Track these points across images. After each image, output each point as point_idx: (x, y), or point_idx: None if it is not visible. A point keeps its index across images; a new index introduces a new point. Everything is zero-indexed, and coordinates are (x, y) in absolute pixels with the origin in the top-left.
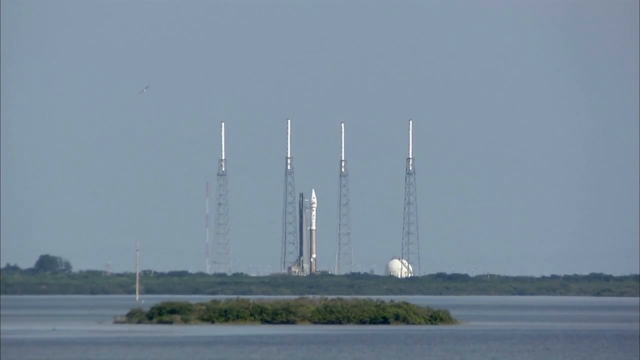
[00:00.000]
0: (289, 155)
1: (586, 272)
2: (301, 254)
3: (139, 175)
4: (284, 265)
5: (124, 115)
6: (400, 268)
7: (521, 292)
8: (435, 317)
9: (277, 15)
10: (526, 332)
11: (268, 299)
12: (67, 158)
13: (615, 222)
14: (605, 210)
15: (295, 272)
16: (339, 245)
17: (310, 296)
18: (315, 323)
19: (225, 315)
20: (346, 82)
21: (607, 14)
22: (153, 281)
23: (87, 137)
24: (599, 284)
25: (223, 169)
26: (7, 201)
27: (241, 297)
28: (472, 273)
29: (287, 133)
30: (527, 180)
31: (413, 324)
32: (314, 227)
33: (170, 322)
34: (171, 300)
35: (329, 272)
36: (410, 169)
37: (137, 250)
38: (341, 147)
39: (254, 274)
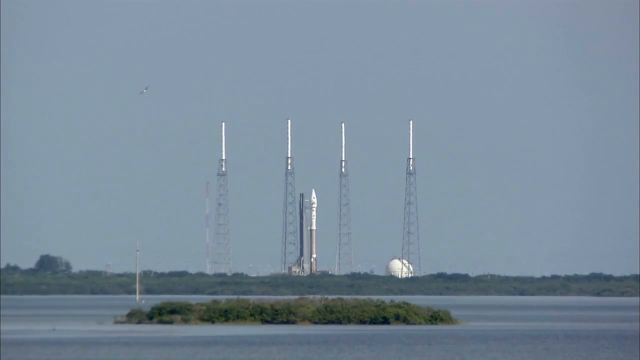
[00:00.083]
0: (289, 155)
1: (586, 272)
2: (301, 254)
3: (139, 175)
4: (284, 265)
5: (124, 115)
6: (400, 268)
7: (521, 292)
8: (436, 317)
9: (277, 15)
10: (526, 332)
11: (268, 299)
12: (67, 158)
13: (615, 222)
14: (605, 210)
15: (295, 272)
16: (339, 245)
17: (311, 296)
18: (316, 323)
19: (225, 315)
20: (346, 82)
21: (607, 14)
22: (153, 281)
23: (88, 137)
24: (599, 284)
25: (223, 169)
26: (7, 201)
27: (241, 297)
28: (473, 273)
29: (287, 133)
30: (527, 180)
31: (413, 324)
32: (314, 227)
33: (171, 322)
34: (171, 300)
35: (329, 272)
36: (410, 169)
37: (137, 250)
38: (341, 147)
39: (254, 274)
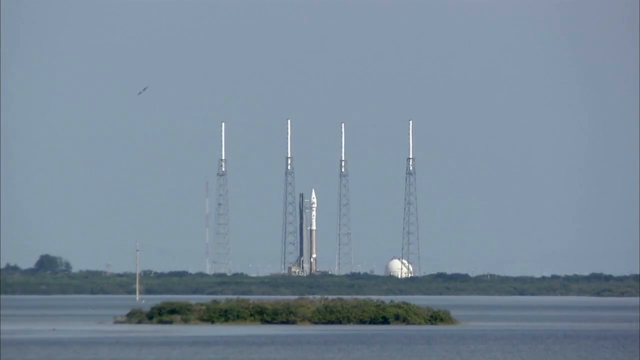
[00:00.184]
0: (289, 155)
1: (586, 272)
2: (301, 254)
3: (139, 175)
4: (284, 265)
5: (124, 115)
6: (400, 268)
7: (521, 292)
8: (436, 317)
9: (277, 15)
10: (526, 332)
11: (268, 299)
12: (67, 158)
13: (615, 222)
14: (605, 210)
15: (295, 272)
16: (339, 245)
17: (311, 296)
18: (315, 323)
19: (225, 315)
20: (346, 82)
21: (607, 14)
22: (153, 281)
23: (88, 137)
24: (599, 284)
25: (223, 169)
26: (7, 201)
27: (241, 297)
28: (473, 273)
29: (287, 133)
30: (527, 180)
31: (413, 324)
32: (314, 227)
33: (170, 322)
34: (171, 300)
35: (329, 272)
36: (410, 169)
37: (137, 250)
38: (341, 147)
39: (254, 274)
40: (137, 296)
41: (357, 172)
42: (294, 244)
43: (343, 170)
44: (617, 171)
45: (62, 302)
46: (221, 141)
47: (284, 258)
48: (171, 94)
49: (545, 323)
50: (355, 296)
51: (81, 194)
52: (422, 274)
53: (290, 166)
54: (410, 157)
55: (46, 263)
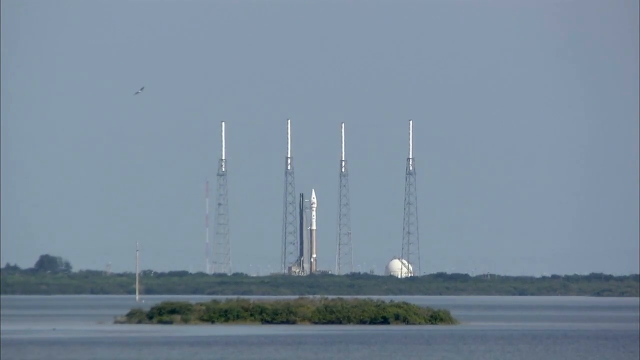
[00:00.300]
0: (289, 155)
1: (586, 272)
2: (301, 254)
3: (139, 175)
4: (284, 265)
5: (124, 115)
6: (400, 268)
7: (522, 292)
8: (436, 317)
9: (277, 15)
10: (526, 332)
11: (268, 299)
12: (67, 158)
13: (615, 222)
14: (605, 210)
15: (295, 272)
16: (339, 245)
17: (311, 296)
18: (316, 323)
19: (225, 315)
20: (346, 82)
21: (607, 14)
22: (153, 281)
23: (88, 137)
24: (599, 284)
25: (223, 169)
26: (7, 201)
27: (241, 297)
28: (473, 273)
29: (287, 133)
30: (527, 180)
31: (413, 324)
32: (314, 227)
33: (170, 322)
34: (171, 300)
35: (329, 272)
36: (410, 169)
37: (137, 250)
38: (341, 147)
39: (254, 274)
40: (137, 296)
41: (357, 172)
42: (294, 244)
43: (343, 170)
44: (617, 171)
45: (62, 302)
46: (221, 141)
47: (284, 258)
48: (171, 94)
49: (545, 323)
50: (355, 296)
51: (81, 194)
52: (422, 274)
53: (290, 166)
54: (410, 157)
55: (46, 263)
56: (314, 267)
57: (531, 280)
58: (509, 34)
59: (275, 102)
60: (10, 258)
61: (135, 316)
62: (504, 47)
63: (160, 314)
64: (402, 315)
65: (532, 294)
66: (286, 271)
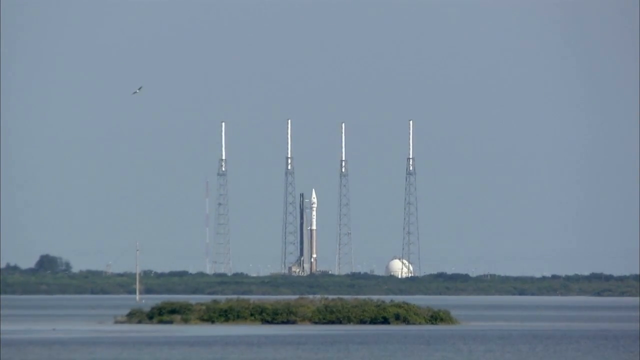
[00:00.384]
0: (289, 155)
1: (586, 272)
2: (301, 254)
3: (139, 175)
4: (284, 265)
5: (124, 115)
6: (400, 268)
7: (522, 292)
8: (436, 317)
9: (277, 15)
10: (526, 332)
11: (268, 299)
12: (67, 158)
13: (615, 222)
14: (605, 210)
15: (295, 272)
16: (339, 245)
17: (311, 296)
18: (316, 323)
19: (225, 315)
20: (346, 82)
21: (607, 14)
22: (153, 281)
23: (87, 137)
24: (599, 284)
25: (223, 169)
26: (7, 201)
27: (241, 297)
28: (473, 273)
29: (287, 133)
30: (527, 180)
31: (413, 324)
32: (314, 227)
33: (171, 322)
34: (171, 300)
35: (330, 272)
36: (410, 169)
37: (137, 250)
38: (341, 147)
39: (254, 274)
40: (137, 296)
41: (357, 172)
42: (294, 244)
43: (343, 170)
44: (617, 171)
45: (62, 302)
46: (221, 141)
47: (284, 258)
48: (171, 94)
49: (545, 323)
50: (355, 296)
51: (81, 194)
52: (422, 274)
53: (290, 166)
54: (410, 157)
55: (46, 263)
56: (314, 267)
57: (531, 280)
58: (509, 34)
59: (275, 102)
60: (10, 258)
61: (135, 316)
62: (504, 47)
63: (161, 314)
64: (402, 315)
65: (532, 294)
66: (286, 271)
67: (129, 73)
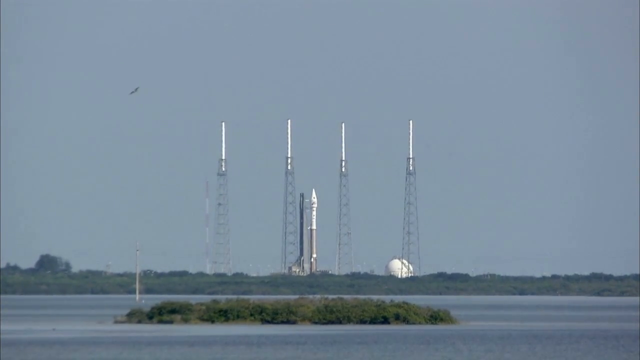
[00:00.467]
0: (289, 155)
1: (586, 272)
2: (301, 254)
3: (139, 175)
4: (284, 265)
5: (124, 115)
6: (400, 268)
7: (522, 292)
8: (436, 317)
9: (277, 15)
10: (526, 332)
11: (268, 299)
12: (68, 158)
13: (615, 222)
14: (605, 210)
15: (295, 272)
16: (339, 245)
17: (311, 296)
18: (316, 323)
19: (225, 315)
20: (346, 82)
21: (607, 14)
22: (153, 281)
23: (87, 137)
24: (599, 284)
25: (223, 169)
26: (7, 201)
27: (241, 297)
28: (473, 273)
29: (287, 133)
30: (527, 180)
31: (413, 323)
32: (314, 227)
33: (170, 322)
34: (171, 300)
35: (329, 272)
36: (410, 169)
37: (137, 250)
38: (341, 147)
39: (254, 274)
40: (137, 296)
41: (357, 172)
42: (294, 243)
43: (343, 170)
44: (617, 171)
45: (62, 302)
46: (221, 141)
47: (284, 258)
48: (171, 94)
49: (545, 323)
50: (355, 296)
51: (81, 194)
52: (422, 274)
53: (290, 166)
54: (410, 157)
55: (46, 263)
56: (314, 267)
57: (531, 280)
58: (509, 34)
59: (275, 102)
60: (10, 258)
61: (135, 316)
62: (504, 47)
63: (160, 314)
64: (402, 315)
65: (532, 294)
66: (286, 271)
67: (129, 73)
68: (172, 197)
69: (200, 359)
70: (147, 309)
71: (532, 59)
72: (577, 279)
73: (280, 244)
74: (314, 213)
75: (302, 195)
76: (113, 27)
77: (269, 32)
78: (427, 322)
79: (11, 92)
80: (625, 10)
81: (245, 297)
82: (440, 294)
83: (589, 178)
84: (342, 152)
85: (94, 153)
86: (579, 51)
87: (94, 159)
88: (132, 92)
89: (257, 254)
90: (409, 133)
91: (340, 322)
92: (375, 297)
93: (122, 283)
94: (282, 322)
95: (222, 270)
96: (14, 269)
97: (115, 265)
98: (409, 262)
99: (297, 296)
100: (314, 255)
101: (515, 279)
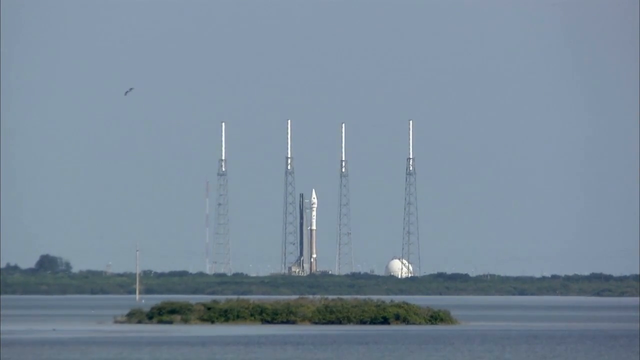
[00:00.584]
0: (289, 155)
1: (586, 272)
2: (301, 254)
3: (139, 175)
4: (284, 265)
5: (124, 115)
6: (400, 268)
7: (521, 292)
8: (436, 317)
9: (277, 15)
10: (526, 332)
11: (268, 299)
12: (67, 158)
13: (615, 222)
14: (605, 210)
15: (295, 272)
16: (339, 245)
17: (311, 296)
18: (316, 323)
19: (225, 315)
20: (346, 82)
21: (607, 14)
22: (153, 281)
23: (87, 137)
24: (599, 284)
25: (223, 169)
26: (7, 201)
27: (241, 297)
28: (473, 273)
29: (287, 133)
30: (527, 180)
31: (413, 324)
32: (314, 227)
33: (170, 322)
34: (171, 300)
35: (329, 272)
36: (410, 169)
37: (137, 250)
38: (341, 147)
39: (254, 274)
40: (137, 296)
41: (357, 172)
42: (294, 244)
43: (343, 170)
44: (616, 172)
45: (62, 302)
46: (221, 141)
47: (284, 258)
48: (171, 94)
49: (545, 323)
50: (355, 296)
51: (81, 194)
52: (422, 274)
53: (290, 166)
54: (410, 157)
55: (46, 263)
56: (314, 267)
57: (531, 280)
58: (509, 34)
59: (275, 102)
60: (10, 258)
61: (135, 316)
62: (504, 47)
63: (160, 314)
64: (402, 315)
65: (532, 294)
66: (286, 271)
67: (129, 73)
68: (172, 197)
69: (200, 359)
70: (147, 309)
71: (532, 59)
72: (577, 279)
73: (280, 244)
74: (314, 213)
75: (302, 196)
76: (113, 27)
77: (268, 32)
78: (427, 323)
79: (11, 92)
80: (625, 10)
81: (245, 297)
82: (440, 294)
83: (589, 178)
84: (342, 152)
85: (94, 153)
86: (579, 51)
87: (94, 159)
88: (127, 92)
89: (257, 254)
90: (409, 133)
91: (340, 322)
92: (375, 297)
93: (122, 283)
94: (282, 322)
95: (222, 271)
96: (14, 269)
97: (115, 265)
98: (409, 262)
99: (297, 296)
100: (314, 256)
101: (515, 279)
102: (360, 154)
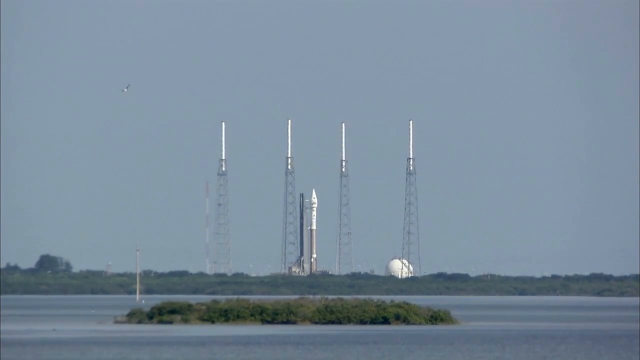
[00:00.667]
0: (289, 155)
1: (586, 272)
2: (301, 254)
3: (139, 175)
4: (285, 265)
5: (124, 115)
6: (400, 268)
7: (522, 292)
8: (436, 317)
9: (277, 15)
10: (526, 332)
11: (268, 299)
12: (68, 158)
13: (615, 222)
14: (605, 211)
15: (295, 272)
16: (340, 245)
17: (311, 296)
18: (316, 323)
19: (225, 315)
20: (346, 82)
21: (607, 14)
22: (153, 281)
23: (87, 137)
24: (599, 284)
25: (223, 169)
26: (7, 201)
27: (241, 297)
28: (473, 273)
29: (287, 133)
30: (527, 180)
31: (413, 324)
32: (314, 227)
33: (171, 322)
34: (171, 300)
35: (330, 272)
36: (411, 169)
37: (137, 250)
38: (341, 147)
39: (254, 274)
40: (137, 296)
41: (357, 172)
42: (294, 244)
43: (343, 170)
44: (616, 171)
45: (62, 302)
46: (221, 141)
47: (284, 258)
48: (171, 94)
49: (545, 323)
50: (355, 296)
51: (81, 194)
52: (422, 274)
53: (291, 166)
54: (410, 157)
55: (46, 263)
56: (314, 267)
57: (531, 280)
58: (509, 34)
59: (275, 102)
60: (10, 258)
61: (135, 316)
62: (504, 47)
63: (160, 314)
64: (403, 315)
65: (532, 294)
66: (286, 271)
67: (129, 73)
68: (172, 197)
69: (200, 359)
70: (147, 309)
71: (532, 59)
72: (577, 279)
73: (280, 244)
74: (314, 213)
75: (302, 196)
76: (113, 26)
77: (268, 32)
78: (427, 323)
79: (11, 92)
80: (625, 10)
81: (245, 297)
82: (440, 294)
83: (589, 178)
84: (342, 152)
85: (94, 153)
86: (579, 51)
87: (94, 159)
88: (124, 90)
89: (257, 254)
90: (409, 133)
91: (340, 322)
92: (375, 297)
93: (122, 283)
94: (282, 322)
95: (222, 271)
96: (14, 269)
97: (115, 265)
98: (409, 262)
99: (297, 296)
100: (314, 256)
101: (515, 279)
102: (360, 154)
